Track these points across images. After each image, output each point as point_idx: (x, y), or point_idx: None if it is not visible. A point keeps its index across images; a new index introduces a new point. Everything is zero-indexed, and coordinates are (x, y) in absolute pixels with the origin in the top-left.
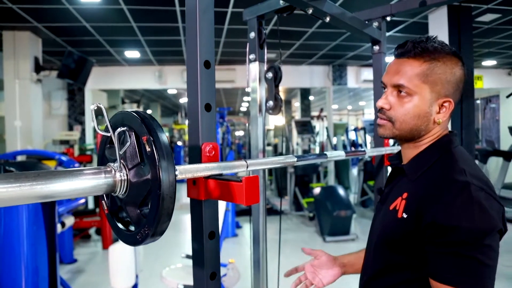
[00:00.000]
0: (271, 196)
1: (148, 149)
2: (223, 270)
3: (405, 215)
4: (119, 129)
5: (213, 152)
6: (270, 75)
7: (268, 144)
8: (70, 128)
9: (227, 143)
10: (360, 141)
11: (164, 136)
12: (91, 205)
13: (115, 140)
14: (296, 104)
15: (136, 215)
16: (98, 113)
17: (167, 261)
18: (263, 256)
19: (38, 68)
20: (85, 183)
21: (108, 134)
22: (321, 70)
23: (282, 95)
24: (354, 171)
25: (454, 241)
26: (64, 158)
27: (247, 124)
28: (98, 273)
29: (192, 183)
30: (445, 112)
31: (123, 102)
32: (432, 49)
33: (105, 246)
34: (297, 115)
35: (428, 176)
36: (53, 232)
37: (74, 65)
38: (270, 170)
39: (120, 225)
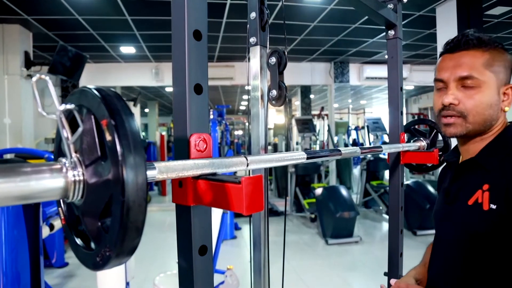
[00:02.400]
0: (271, 196)
1: (108, 137)
2: (221, 277)
3: (493, 206)
4: (63, 107)
5: (205, 146)
6: (273, 60)
7: (268, 144)
8: None
9: (226, 142)
10: (361, 140)
11: (132, 121)
12: None
13: (60, 124)
14: (297, 102)
15: (96, 229)
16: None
17: (163, 266)
18: (264, 261)
19: (28, 63)
20: (21, 187)
21: (54, 117)
22: (322, 67)
23: None
24: (356, 171)
25: None
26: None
27: (246, 123)
28: (90, 277)
29: (178, 185)
30: (508, 99)
31: None
32: (487, 40)
33: None
34: (297, 114)
35: (508, 163)
36: (36, 235)
37: (67, 61)
38: (270, 169)
39: (79, 241)
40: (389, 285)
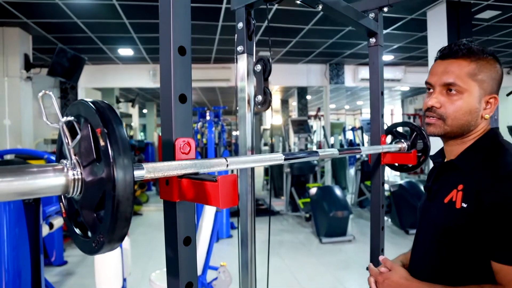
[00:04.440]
0: (266, 196)
1: (102, 143)
2: (214, 274)
3: (464, 205)
4: (65, 119)
5: (188, 149)
6: (258, 67)
7: (265, 144)
8: None
9: (222, 143)
10: (357, 140)
11: (122, 129)
12: None
13: (62, 132)
14: (294, 103)
15: (91, 220)
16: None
17: (160, 263)
18: (251, 259)
19: (28, 66)
20: (30, 184)
21: (57, 126)
22: (318, 69)
23: (279, 94)
24: (352, 171)
25: None
26: (53, 157)
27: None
28: (89, 275)
29: (165, 183)
30: (491, 108)
31: (118, 101)
32: (476, 50)
33: None
34: (294, 115)
35: (482, 166)
36: (37, 233)
37: (66, 63)
38: (266, 170)
39: (77, 231)
40: (375, 264)
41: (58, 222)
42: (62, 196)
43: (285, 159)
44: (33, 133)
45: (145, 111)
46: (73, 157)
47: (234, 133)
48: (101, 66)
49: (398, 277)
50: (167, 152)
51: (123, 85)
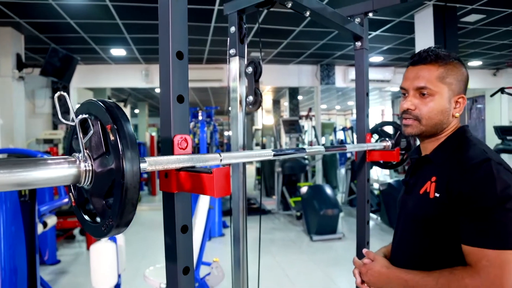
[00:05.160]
0: (259, 195)
1: (112, 138)
2: (207, 269)
3: (437, 195)
4: (80, 117)
5: (186, 144)
6: (250, 69)
7: (257, 144)
8: (55, 127)
9: (215, 142)
10: (348, 140)
11: (129, 125)
12: None
13: (77, 129)
14: (285, 103)
15: (101, 206)
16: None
17: (153, 261)
18: (243, 255)
19: (20, 65)
20: (48, 173)
21: (72, 123)
22: (309, 69)
23: (270, 95)
24: (342, 170)
25: (480, 208)
26: (46, 157)
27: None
28: (82, 274)
29: (164, 176)
30: (460, 107)
31: None
32: (443, 55)
33: (90, 247)
34: (286, 115)
35: (452, 159)
36: (32, 232)
37: (59, 63)
38: (258, 169)
39: (87, 217)
40: (360, 256)
41: (51, 221)
42: (72, 187)
43: (274, 155)
44: (25, 132)
45: (136, 111)
46: (85, 150)
47: (226, 133)
48: (94, 66)
49: (379, 267)
50: (166, 147)
51: (115, 85)
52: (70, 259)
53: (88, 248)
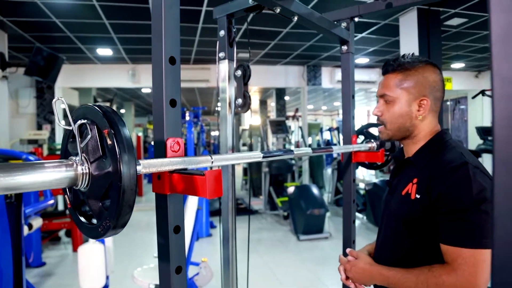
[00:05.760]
0: (245, 195)
1: (109, 142)
2: (196, 269)
3: (418, 196)
4: (79, 122)
5: (178, 147)
6: (239, 73)
7: (244, 144)
8: (39, 127)
9: (202, 143)
10: (335, 141)
11: (126, 130)
12: (61, 207)
13: (76, 133)
14: (272, 104)
15: (98, 208)
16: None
17: (140, 262)
18: (232, 254)
19: (3, 65)
20: (46, 176)
21: (70, 128)
22: (296, 70)
23: (257, 95)
24: (329, 170)
25: (457, 209)
26: (31, 157)
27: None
28: (67, 276)
29: (157, 178)
30: (423, 108)
31: (96, 101)
32: (406, 63)
33: (76, 249)
34: (273, 115)
35: (432, 162)
36: (19, 234)
37: (43, 62)
38: (245, 170)
39: (82, 219)
40: (345, 254)
41: (37, 222)
42: (68, 189)
43: (263, 157)
44: (8, 133)
45: (123, 111)
46: (82, 154)
47: (212, 133)
48: (79, 65)
49: (363, 264)
50: (159, 150)
51: (101, 85)
52: (56, 261)
53: (74, 250)
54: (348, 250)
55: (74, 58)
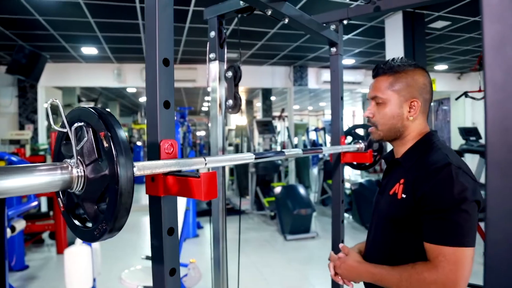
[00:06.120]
0: (232, 196)
1: (106, 144)
2: (184, 270)
3: (404, 196)
4: (76, 125)
5: (172, 149)
6: (230, 74)
7: (230, 144)
8: (22, 127)
9: (188, 143)
10: (320, 141)
11: (122, 132)
12: (44, 208)
13: (71, 136)
14: (258, 104)
15: (93, 211)
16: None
17: (127, 264)
18: (223, 255)
19: None
20: (41, 179)
21: (65, 130)
22: (282, 71)
23: (244, 95)
24: (315, 170)
25: (439, 208)
26: (14, 158)
27: (208, 124)
28: (52, 279)
29: (151, 180)
30: (414, 110)
31: (80, 101)
32: (396, 66)
33: (60, 251)
34: (259, 115)
35: (418, 163)
36: (1, 236)
37: (26, 61)
38: (231, 170)
39: (77, 222)
40: (337, 252)
41: (20, 225)
42: (61, 192)
43: (255, 158)
44: None
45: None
46: (77, 157)
47: (198, 133)
48: (63, 64)
49: (352, 261)
50: (153, 152)
51: (86, 84)
52: (39, 264)
53: (58, 252)
54: (341, 245)
55: (58, 56)
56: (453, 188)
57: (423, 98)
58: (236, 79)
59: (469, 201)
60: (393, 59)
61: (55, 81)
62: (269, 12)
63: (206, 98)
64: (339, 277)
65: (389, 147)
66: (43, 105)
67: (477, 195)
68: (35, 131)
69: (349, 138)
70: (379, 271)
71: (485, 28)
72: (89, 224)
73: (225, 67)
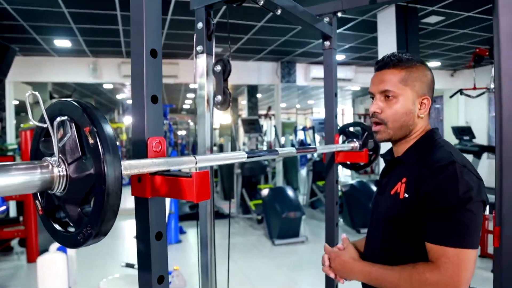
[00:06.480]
0: (217, 199)
1: (91, 141)
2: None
3: (406, 195)
4: (58, 119)
5: (160, 147)
6: (218, 68)
7: (214, 144)
8: None
9: (170, 143)
10: (309, 140)
11: (109, 128)
12: (13, 213)
13: (52, 131)
14: (243, 102)
15: (76, 214)
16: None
17: (106, 272)
18: (211, 261)
19: None
20: (17, 180)
21: (45, 125)
22: (269, 67)
23: None
24: (303, 171)
25: (443, 208)
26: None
27: (190, 123)
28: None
29: (137, 180)
30: (425, 107)
31: (51, 97)
32: (406, 59)
33: (31, 259)
34: (244, 114)
35: (421, 161)
36: None
37: None
38: (215, 171)
39: (57, 227)
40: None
41: None
42: (39, 194)
43: (248, 157)
44: None
45: None
46: (58, 154)
47: (179, 132)
48: (34, 58)
49: (346, 257)
50: (140, 150)
51: (59, 79)
52: (8, 274)
53: (29, 260)
54: (343, 236)
55: (28, 49)
56: (458, 187)
57: (430, 96)
58: (225, 74)
59: (474, 201)
60: (400, 52)
61: (25, 76)
62: (261, 3)
63: (189, 95)
64: (331, 270)
65: (385, 146)
66: (11, 102)
67: (482, 195)
68: (3, 130)
69: (341, 138)
70: (376, 269)
71: (501, 18)
72: (72, 229)
73: (213, 61)
